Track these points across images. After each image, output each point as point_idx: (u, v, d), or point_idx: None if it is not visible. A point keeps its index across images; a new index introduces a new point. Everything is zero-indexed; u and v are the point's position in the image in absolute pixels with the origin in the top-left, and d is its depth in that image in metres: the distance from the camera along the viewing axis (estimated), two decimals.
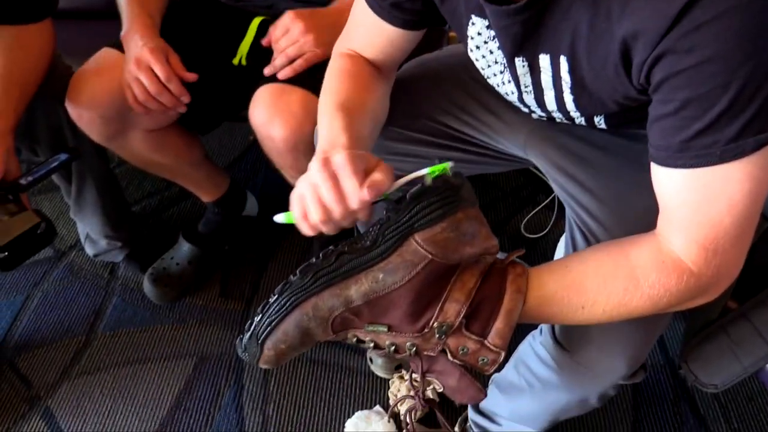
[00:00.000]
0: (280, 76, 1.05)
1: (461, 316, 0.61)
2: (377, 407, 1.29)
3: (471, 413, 1.11)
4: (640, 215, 0.73)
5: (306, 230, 0.67)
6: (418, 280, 0.60)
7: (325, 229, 0.66)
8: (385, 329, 0.62)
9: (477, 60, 0.79)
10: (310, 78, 1.03)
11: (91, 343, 1.44)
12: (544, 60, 0.69)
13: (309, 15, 1.06)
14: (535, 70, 0.72)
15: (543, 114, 0.82)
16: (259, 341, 0.62)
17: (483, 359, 0.63)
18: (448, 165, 0.62)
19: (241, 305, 1.50)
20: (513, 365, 0.96)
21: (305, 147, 1.03)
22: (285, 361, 0.65)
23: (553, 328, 0.83)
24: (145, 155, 1.27)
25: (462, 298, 0.61)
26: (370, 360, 1.35)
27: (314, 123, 1.01)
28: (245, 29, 1.20)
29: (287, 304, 0.61)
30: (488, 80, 0.82)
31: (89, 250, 1.55)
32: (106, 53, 1.15)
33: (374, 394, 1.32)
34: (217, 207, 1.51)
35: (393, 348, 0.64)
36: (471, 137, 0.98)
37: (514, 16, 0.65)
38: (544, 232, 1.59)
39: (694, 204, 0.61)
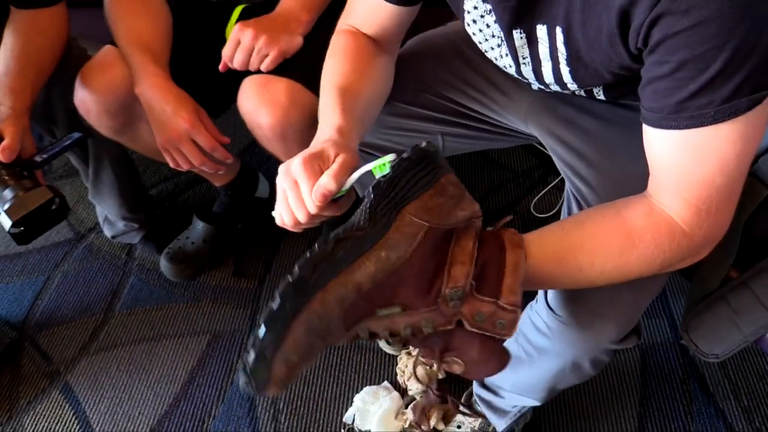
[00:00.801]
0: (263, 68, 1.07)
1: (470, 277, 0.60)
2: (385, 383, 1.31)
3: (476, 387, 1.12)
4: (638, 184, 0.73)
5: (291, 229, 0.69)
6: (421, 249, 0.60)
7: (302, 228, 0.69)
8: (399, 310, 0.60)
9: (474, 34, 0.79)
10: (292, 68, 1.06)
11: (109, 321, 1.48)
12: (541, 30, 0.69)
13: (255, 22, 1.06)
14: (532, 42, 0.72)
15: (542, 86, 0.82)
16: (268, 360, 0.56)
17: (500, 322, 0.61)
18: (389, 159, 0.63)
19: (254, 284, 1.53)
20: (513, 337, 0.97)
21: (293, 134, 1.05)
22: (295, 378, 0.60)
23: (545, 294, 0.84)
24: (154, 146, 1.30)
25: (466, 259, 0.60)
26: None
27: (300, 111, 1.04)
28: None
29: (292, 307, 0.56)
30: (486, 54, 0.82)
31: (107, 232, 1.59)
32: (107, 50, 1.17)
33: (383, 370, 1.34)
34: (228, 190, 1.54)
35: (409, 331, 0.61)
36: (474, 111, 0.99)
37: None
38: (554, 211, 1.59)
39: (686, 165, 0.62)
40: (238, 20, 1.20)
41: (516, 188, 1.68)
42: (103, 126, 1.21)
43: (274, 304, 0.56)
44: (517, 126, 0.99)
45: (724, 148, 0.60)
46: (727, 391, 1.26)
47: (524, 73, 0.79)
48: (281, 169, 0.67)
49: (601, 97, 0.82)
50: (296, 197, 0.65)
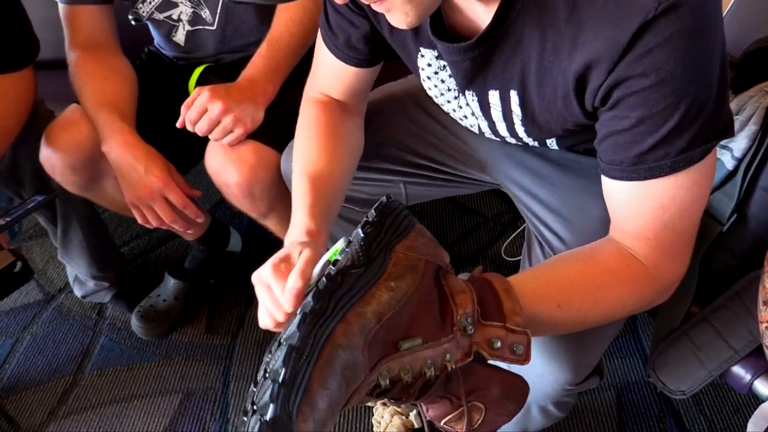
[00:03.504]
0: (224, 143, 1.07)
1: (475, 303, 0.60)
2: None
3: None
4: (598, 227, 0.76)
5: (275, 329, 0.69)
6: (426, 280, 0.61)
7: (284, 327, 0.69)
8: (420, 341, 0.57)
9: (430, 89, 0.82)
10: (258, 132, 1.07)
11: (79, 383, 1.45)
12: (493, 96, 0.72)
13: (225, 93, 1.03)
14: (485, 105, 0.75)
15: (497, 139, 0.85)
16: (293, 413, 0.47)
17: (516, 346, 0.60)
18: (340, 245, 0.65)
19: (227, 339, 1.51)
20: None
21: (260, 191, 1.07)
22: None
23: None
24: (121, 201, 1.30)
25: (464, 287, 0.61)
26: None
27: (267, 169, 1.06)
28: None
29: (313, 343, 0.50)
30: (442, 107, 0.85)
31: (78, 292, 1.57)
32: (72, 109, 1.19)
33: (359, 423, 1.32)
34: (201, 244, 1.54)
35: (432, 370, 0.57)
36: (435, 160, 1.01)
37: (464, 53, 0.68)
38: None
39: (648, 213, 0.65)
40: (200, 78, 1.23)
41: (486, 233, 1.70)
42: (68, 182, 1.21)
43: (294, 340, 0.49)
44: (477, 174, 1.02)
45: (682, 195, 0.64)
46: (702, 427, 1.26)
47: (481, 126, 0.81)
48: (254, 277, 0.70)
49: (554, 147, 0.85)
50: (272, 300, 0.67)
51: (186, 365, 1.47)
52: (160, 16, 1.21)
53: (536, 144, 0.83)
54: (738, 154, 0.84)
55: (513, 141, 0.83)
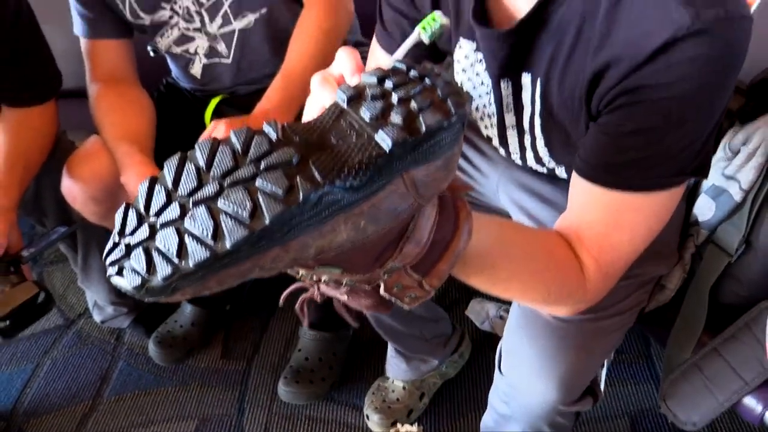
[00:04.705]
0: None
1: (417, 258, 0.52)
2: None
3: None
4: None
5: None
6: (395, 226, 0.50)
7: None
8: (339, 271, 0.50)
9: (462, 84, 0.81)
10: None
11: (97, 408, 1.47)
12: (526, 78, 0.72)
13: (241, 125, 1.01)
14: (517, 89, 0.74)
15: (514, 144, 0.83)
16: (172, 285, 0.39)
17: (412, 295, 0.55)
18: (437, 15, 0.56)
19: (242, 365, 1.53)
20: (488, 410, 0.98)
21: None
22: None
23: (499, 361, 0.86)
24: None
25: (423, 238, 0.52)
26: (367, 417, 1.36)
27: None
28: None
29: (240, 256, 0.40)
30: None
31: (97, 317, 1.60)
32: (93, 141, 1.22)
33: None
34: None
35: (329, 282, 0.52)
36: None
37: (504, 40, 0.68)
38: None
39: (603, 225, 0.65)
40: (216, 109, 1.26)
41: None
42: (88, 212, 1.24)
43: (223, 245, 0.39)
44: (490, 198, 1.03)
45: (638, 220, 0.64)
46: None
47: (506, 120, 0.80)
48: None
49: (563, 176, 0.85)
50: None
51: (202, 391, 1.48)
52: (178, 50, 1.25)
53: (545, 171, 0.84)
54: (745, 186, 0.84)
55: (530, 155, 0.83)
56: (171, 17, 1.19)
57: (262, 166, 0.41)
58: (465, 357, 1.45)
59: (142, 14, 1.19)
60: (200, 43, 1.23)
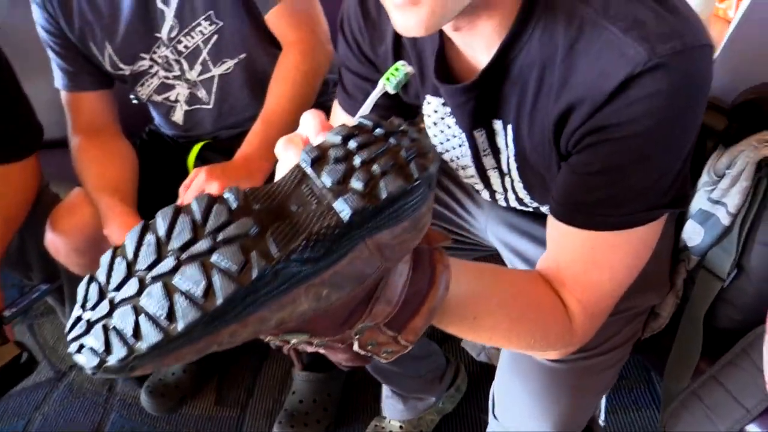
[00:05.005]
0: None
1: (389, 317, 0.50)
2: None
3: None
4: None
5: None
6: (361, 290, 0.47)
7: None
8: (306, 336, 0.49)
9: (435, 135, 0.81)
10: None
11: None
12: (497, 124, 0.72)
13: (221, 172, 1.01)
14: (491, 134, 0.74)
15: (497, 185, 0.83)
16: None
17: (388, 350, 0.53)
18: (400, 65, 0.56)
19: (236, 411, 1.50)
20: None
21: None
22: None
23: (492, 406, 0.84)
24: None
25: (394, 297, 0.49)
26: None
27: None
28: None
29: (194, 336, 0.39)
30: (445, 154, 0.84)
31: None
32: (76, 194, 1.22)
33: None
34: None
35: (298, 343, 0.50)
36: (441, 226, 1.02)
37: (468, 93, 0.68)
38: None
39: (582, 265, 0.64)
40: (199, 155, 1.26)
41: None
42: (73, 265, 1.22)
43: (176, 327, 0.38)
44: (479, 237, 1.02)
45: (616, 258, 0.64)
46: None
47: (485, 163, 0.79)
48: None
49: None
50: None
51: None
52: (158, 98, 1.25)
53: (530, 209, 0.83)
54: (733, 209, 0.83)
55: (512, 196, 0.83)
56: (151, 67, 1.19)
57: (220, 238, 0.40)
58: (462, 390, 1.43)
59: (122, 66, 1.19)
60: (181, 91, 1.23)
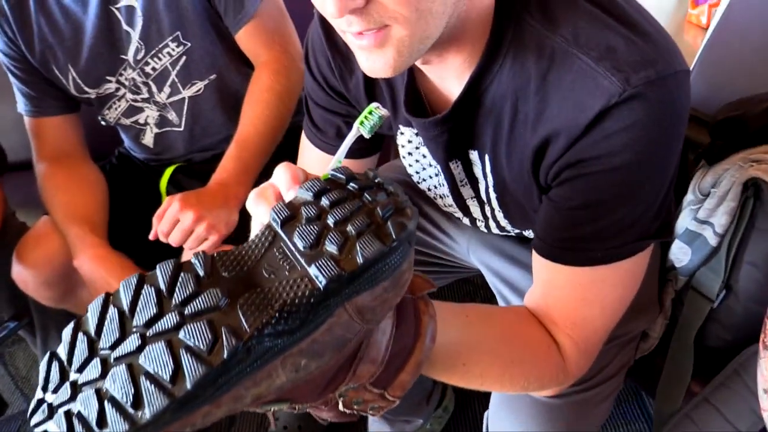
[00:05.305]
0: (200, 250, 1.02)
1: (374, 377, 0.48)
2: None
3: None
4: None
5: None
6: (343, 355, 0.45)
7: None
8: (287, 404, 0.46)
9: (410, 165, 0.80)
10: (235, 235, 1.04)
11: None
12: (473, 154, 0.70)
13: (196, 200, 0.99)
14: (467, 165, 0.72)
15: (477, 213, 0.81)
16: None
17: (375, 406, 0.51)
18: (373, 106, 0.53)
19: None
20: None
21: None
22: None
23: None
24: None
25: (378, 357, 0.47)
26: None
27: None
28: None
29: (160, 425, 0.36)
30: (421, 184, 0.82)
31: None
32: (43, 223, 1.17)
33: None
34: None
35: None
36: (423, 252, 0.99)
37: (442, 126, 0.66)
38: None
39: (571, 302, 0.63)
40: (171, 179, 1.22)
41: (453, 298, 1.66)
42: (42, 297, 1.18)
43: (143, 414, 0.35)
44: (462, 260, 0.99)
45: (606, 292, 0.62)
46: None
47: (463, 193, 0.78)
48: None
49: (532, 236, 0.83)
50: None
51: None
52: (127, 121, 1.20)
53: (513, 234, 0.81)
54: (720, 230, 0.82)
55: (493, 224, 0.81)
56: (117, 89, 1.15)
57: (187, 312, 0.37)
58: (449, 410, 1.40)
59: (87, 89, 1.14)
60: (150, 113, 1.19)
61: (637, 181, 0.57)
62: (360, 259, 0.39)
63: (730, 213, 0.80)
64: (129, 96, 1.16)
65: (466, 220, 0.86)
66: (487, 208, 0.78)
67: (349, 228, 0.40)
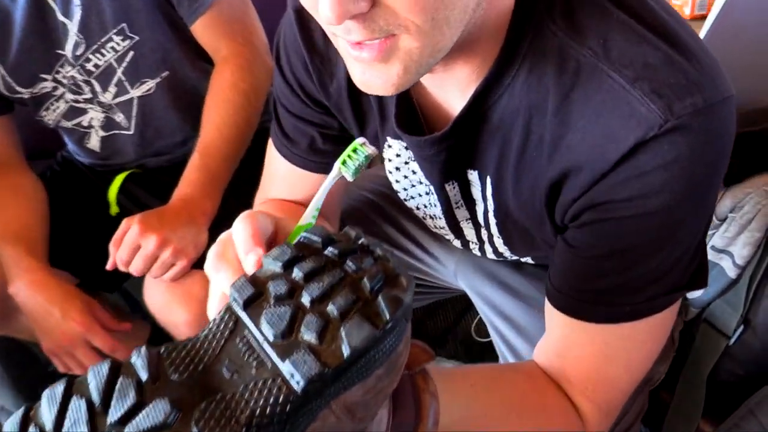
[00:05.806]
0: (166, 278, 0.89)
1: None
2: None
3: None
4: None
5: None
6: None
7: None
8: None
9: (398, 181, 0.69)
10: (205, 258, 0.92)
11: None
12: (472, 175, 0.61)
13: (158, 221, 0.86)
14: (465, 185, 0.63)
15: (471, 236, 0.72)
16: None
17: None
18: (358, 143, 0.45)
19: None
20: None
21: None
22: None
23: None
24: None
25: None
26: None
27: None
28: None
29: None
30: (409, 202, 0.72)
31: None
32: None
33: None
34: None
35: None
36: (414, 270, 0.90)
37: (440, 145, 0.56)
38: None
39: (592, 362, 0.55)
40: (121, 188, 1.08)
41: (453, 309, 1.58)
42: None
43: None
44: (448, 283, 0.91)
45: (633, 349, 0.54)
46: None
47: (458, 215, 0.69)
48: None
49: (530, 262, 0.74)
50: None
51: None
52: (69, 124, 1.06)
53: (513, 257, 0.72)
54: (740, 261, 0.74)
55: (489, 249, 0.71)
56: (55, 89, 1.01)
57: None
58: None
59: (18, 88, 0.99)
60: (94, 115, 1.05)
61: (673, 226, 0.48)
62: (346, 350, 0.30)
63: (754, 244, 0.73)
64: (69, 96, 1.01)
65: (457, 243, 0.76)
66: (484, 232, 0.68)
67: (330, 308, 0.31)
